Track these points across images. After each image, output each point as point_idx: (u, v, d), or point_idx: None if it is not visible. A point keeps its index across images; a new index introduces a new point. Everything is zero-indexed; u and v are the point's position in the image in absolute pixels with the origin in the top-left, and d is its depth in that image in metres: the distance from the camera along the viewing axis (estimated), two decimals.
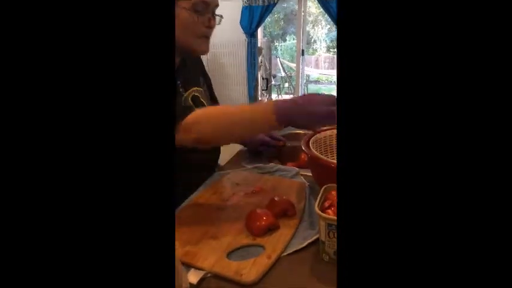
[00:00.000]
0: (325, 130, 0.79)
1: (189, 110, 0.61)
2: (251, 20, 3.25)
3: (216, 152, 0.94)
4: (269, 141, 0.99)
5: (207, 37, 0.74)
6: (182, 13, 0.69)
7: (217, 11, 0.75)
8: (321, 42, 7.02)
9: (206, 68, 0.98)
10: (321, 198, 0.54)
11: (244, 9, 3.23)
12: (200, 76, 0.90)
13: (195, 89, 0.84)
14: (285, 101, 0.57)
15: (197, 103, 0.83)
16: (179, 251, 0.53)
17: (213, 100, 0.97)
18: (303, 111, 0.55)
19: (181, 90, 0.79)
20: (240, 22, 3.28)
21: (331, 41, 6.84)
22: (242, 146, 1.04)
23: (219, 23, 0.76)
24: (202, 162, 0.85)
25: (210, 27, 0.73)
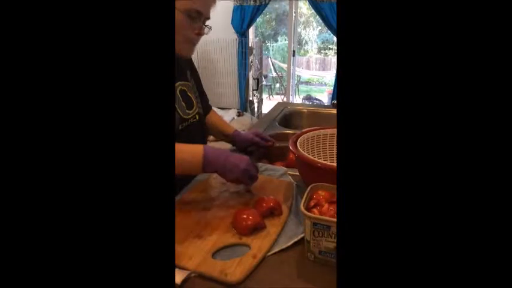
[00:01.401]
0: (313, 130, 0.80)
1: None
2: (242, 20, 3.24)
3: None
4: (258, 141, 0.99)
5: (194, 43, 0.75)
6: (177, 15, 0.69)
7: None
8: (312, 43, 7.05)
9: (196, 65, 0.97)
10: (306, 197, 0.54)
11: (235, 8, 3.22)
12: (187, 70, 0.89)
13: (182, 82, 0.83)
14: (214, 151, 0.67)
15: (184, 97, 0.82)
16: None
17: (202, 95, 0.96)
18: (223, 167, 0.66)
19: None
20: (232, 22, 3.27)
21: (322, 42, 6.88)
22: (231, 145, 1.03)
23: (207, 33, 0.78)
24: None
25: (200, 35, 0.74)
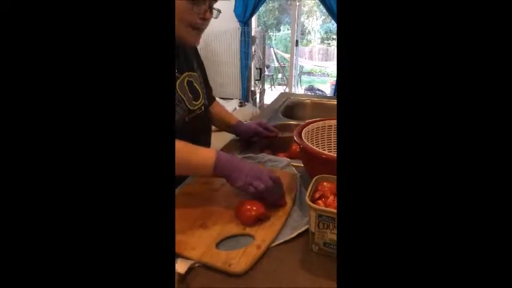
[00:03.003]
0: (317, 121, 0.79)
1: None
2: (245, 9, 3.20)
3: (207, 140, 0.93)
4: (261, 131, 0.99)
5: (200, 29, 0.72)
6: (177, 1, 0.66)
7: None
8: (315, 33, 6.95)
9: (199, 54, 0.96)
10: (311, 189, 0.54)
11: None
12: (194, 60, 0.88)
13: (189, 73, 0.82)
14: (226, 157, 0.62)
15: (192, 88, 0.81)
16: None
17: (207, 86, 0.95)
18: (237, 174, 0.60)
19: (176, 73, 0.78)
20: (234, 10, 3.22)
21: (326, 32, 6.79)
22: (234, 135, 1.03)
23: (216, 17, 0.73)
24: None
25: (205, 19, 0.70)
